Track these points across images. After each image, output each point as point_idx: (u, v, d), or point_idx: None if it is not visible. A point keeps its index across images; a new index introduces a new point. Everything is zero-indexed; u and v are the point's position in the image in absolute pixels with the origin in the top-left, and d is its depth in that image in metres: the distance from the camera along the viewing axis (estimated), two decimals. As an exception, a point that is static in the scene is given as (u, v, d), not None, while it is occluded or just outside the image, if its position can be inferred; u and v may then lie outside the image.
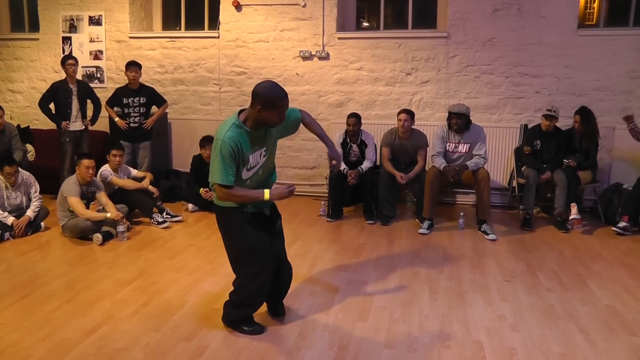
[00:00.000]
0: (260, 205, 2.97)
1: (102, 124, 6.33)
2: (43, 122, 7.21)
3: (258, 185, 2.95)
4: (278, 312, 3.26)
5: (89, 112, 6.13)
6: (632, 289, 3.75)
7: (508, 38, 5.88)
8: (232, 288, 3.07)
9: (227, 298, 3.12)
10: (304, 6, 6.27)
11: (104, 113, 6.18)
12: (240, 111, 2.80)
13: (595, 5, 6.67)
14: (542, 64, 5.86)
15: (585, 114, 5.32)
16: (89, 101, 6.11)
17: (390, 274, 4.00)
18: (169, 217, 5.35)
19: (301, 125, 3.11)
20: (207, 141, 5.70)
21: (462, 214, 5.32)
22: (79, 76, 6.24)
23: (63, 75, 5.94)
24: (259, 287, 2.97)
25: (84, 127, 6.06)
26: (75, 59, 5.95)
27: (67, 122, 5.91)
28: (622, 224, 4.99)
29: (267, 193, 2.82)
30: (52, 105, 5.97)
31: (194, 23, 6.97)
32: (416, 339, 3.00)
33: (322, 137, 3.19)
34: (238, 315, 3.07)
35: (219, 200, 2.92)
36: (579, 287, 3.76)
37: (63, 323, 3.16)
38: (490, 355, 2.83)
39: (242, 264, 2.99)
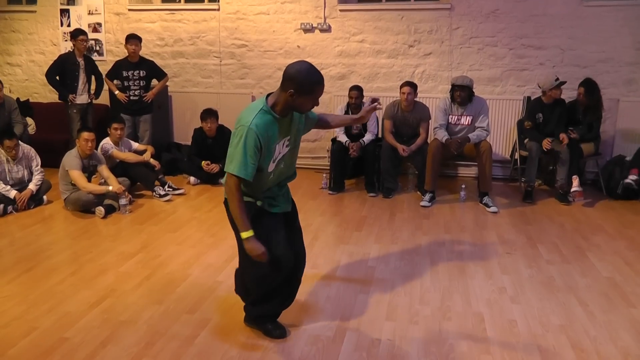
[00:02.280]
0: (283, 204, 2.69)
1: (102, 97, 6.29)
2: (43, 96, 7.18)
3: (280, 179, 2.66)
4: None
5: (93, 87, 6.11)
6: (632, 261, 3.77)
7: (512, 9, 5.79)
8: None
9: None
10: (305, -24, 6.17)
11: (105, 87, 6.16)
12: (268, 95, 2.48)
13: (602, -26, 6.54)
14: (547, 36, 5.78)
15: (589, 86, 5.26)
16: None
17: (392, 247, 4.02)
18: (171, 190, 5.36)
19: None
20: (207, 114, 5.67)
21: (463, 186, 5.32)
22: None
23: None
24: (268, 288, 2.73)
25: (89, 101, 6.05)
26: (86, 33, 5.95)
27: (74, 95, 5.90)
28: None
29: (247, 234, 2.42)
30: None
31: (194, -6, 6.87)
32: (417, 311, 3.03)
33: (345, 120, 3.02)
34: (259, 312, 2.83)
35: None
36: (579, 260, 3.79)
37: (67, 296, 3.19)
38: (491, 327, 2.87)
39: (249, 266, 2.66)
